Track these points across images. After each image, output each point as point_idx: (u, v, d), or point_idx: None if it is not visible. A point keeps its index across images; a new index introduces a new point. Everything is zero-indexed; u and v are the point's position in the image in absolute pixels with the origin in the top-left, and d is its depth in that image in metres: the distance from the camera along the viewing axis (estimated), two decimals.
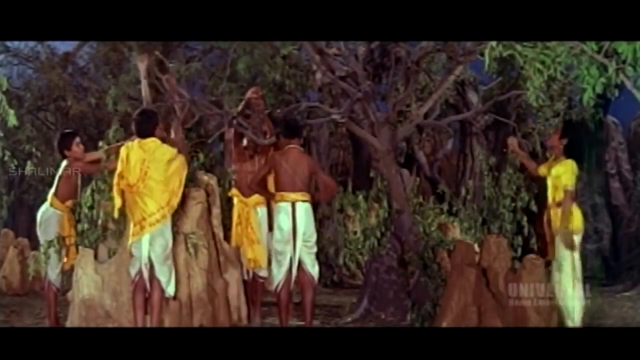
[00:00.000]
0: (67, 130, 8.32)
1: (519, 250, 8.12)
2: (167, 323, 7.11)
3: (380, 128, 8.42)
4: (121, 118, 10.15)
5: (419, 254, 8.31)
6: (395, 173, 8.53)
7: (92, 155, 7.68)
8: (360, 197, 8.91)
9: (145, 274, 6.86)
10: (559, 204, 6.68)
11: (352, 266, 9.33)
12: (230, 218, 8.05)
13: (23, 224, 14.35)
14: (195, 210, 7.48)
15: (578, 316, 6.70)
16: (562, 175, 6.70)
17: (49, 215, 7.64)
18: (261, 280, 7.94)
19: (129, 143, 6.93)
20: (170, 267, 6.98)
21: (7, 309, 9.57)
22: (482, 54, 6.38)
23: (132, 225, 6.82)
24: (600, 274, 13.04)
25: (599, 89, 5.85)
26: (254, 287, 8.01)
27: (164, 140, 7.04)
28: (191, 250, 7.33)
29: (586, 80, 5.85)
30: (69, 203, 7.66)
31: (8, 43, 12.94)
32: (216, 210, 7.84)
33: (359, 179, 12.59)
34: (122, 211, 6.90)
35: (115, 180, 6.83)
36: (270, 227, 7.66)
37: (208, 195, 7.70)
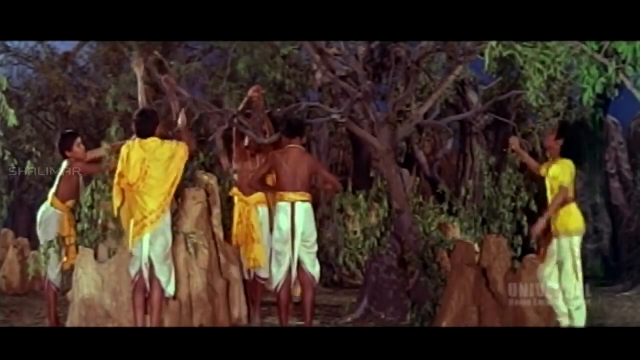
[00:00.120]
0: (68, 131, 8.31)
1: (519, 250, 8.11)
2: (167, 323, 7.11)
3: (380, 128, 8.43)
4: (121, 118, 10.16)
5: (419, 254, 8.31)
6: (396, 173, 8.53)
7: (94, 154, 7.70)
8: (361, 197, 8.90)
9: (146, 274, 6.86)
10: (559, 205, 6.66)
11: (352, 266, 9.34)
12: (230, 218, 8.06)
13: (23, 224, 14.35)
14: (195, 210, 7.48)
15: (580, 316, 6.66)
16: (558, 175, 6.69)
17: (49, 215, 7.64)
18: (263, 281, 7.94)
19: (130, 142, 6.93)
20: (170, 266, 6.98)
21: (7, 309, 9.57)
22: (482, 54, 6.38)
23: (132, 224, 6.82)
24: (600, 274, 13.05)
25: (599, 89, 5.85)
26: (254, 287, 8.02)
27: (165, 137, 7.05)
28: (191, 250, 7.33)
29: (586, 80, 5.85)
30: (70, 203, 7.66)
31: (8, 43, 12.93)
32: (216, 210, 7.84)
33: (359, 179, 12.58)
34: (121, 212, 6.90)
35: (115, 180, 6.84)
36: (272, 227, 7.66)
37: (208, 195, 7.71)
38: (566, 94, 10.95)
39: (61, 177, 7.66)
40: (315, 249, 7.41)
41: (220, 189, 8.01)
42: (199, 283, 7.39)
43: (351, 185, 10.48)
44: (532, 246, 7.97)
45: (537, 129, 12.66)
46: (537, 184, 7.97)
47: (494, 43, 6.08)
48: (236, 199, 7.97)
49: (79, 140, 7.74)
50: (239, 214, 7.92)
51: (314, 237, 7.36)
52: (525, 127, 13.20)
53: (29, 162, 9.07)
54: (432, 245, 8.52)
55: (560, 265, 6.67)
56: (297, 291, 7.79)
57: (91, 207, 7.37)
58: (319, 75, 10.29)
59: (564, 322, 6.72)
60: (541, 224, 6.71)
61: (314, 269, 7.39)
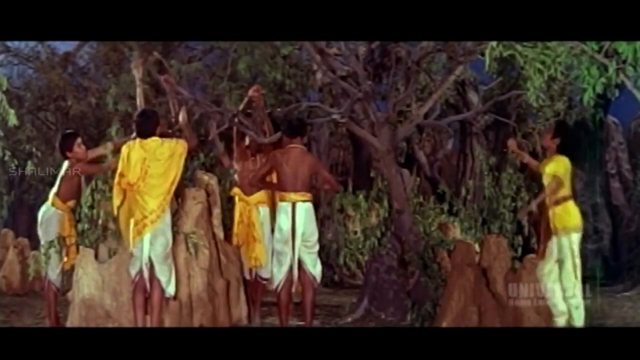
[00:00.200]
0: (68, 131, 8.31)
1: (519, 250, 8.12)
2: (167, 323, 7.11)
3: (380, 128, 8.42)
4: (121, 117, 10.17)
5: (419, 254, 8.31)
6: (396, 173, 8.53)
7: (94, 152, 7.71)
8: (361, 197, 8.91)
9: (146, 274, 6.86)
10: (556, 202, 6.65)
11: (353, 266, 9.35)
12: (230, 218, 8.06)
13: (23, 224, 14.34)
14: (195, 210, 7.48)
15: (579, 315, 6.66)
16: (553, 170, 6.68)
17: (50, 214, 7.64)
18: (264, 282, 7.94)
19: (130, 142, 6.94)
20: (170, 266, 6.98)
21: (7, 309, 9.56)
22: (483, 54, 6.39)
23: (132, 224, 6.82)
24: (600, 274, 13.04)
25: (599, 89, 5.86)
26: (254, 287, 8.02)
27: (166, 136, 7.05)
28: (191, 250, 7.33)
29: (586, 80, 5.85)
30: (71, 203, 7.67)
31: (8, 43, 12.94)
32: (216, 210, 7.84)
33: (359, 179, 12.59)
34: (120, 211, 6.91)
35: (116, 180, 6.85)
36: (273, 227, 7.66)
37: (208, 195, 7.71)
38: (566, 94, 10.95)
39: (62, 177, 7.66)
40: (316, 248, 7.41)
41: (220, 189, 8.01)
42: (199, 283, 7.39)
43: (351, 185, 10.50)
44: (532, 246, 7.98)
45: (537, 129, 12.68)
46: (537, 184, 7.98)
47: (494, 43, 6.08)
48: (237, 199, 7.97)
49: (79, 140, 7.74)
50: (239, 213, 7.93)
51: (314, 237, 7.36)
52: (525, 127, 13.22)
53: (29, 162, 9.09)
54: (432, 245, 8.52)
55: (560, 263, 6.67)
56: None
57: (91, 207, 7.38)
58: (319, 75, 10.30)
59: (560, 322, 6.70)
60: (530, 207, 6.72)
61: (315, 269, 7.38)
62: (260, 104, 7.95)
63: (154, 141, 6.86)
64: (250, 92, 7.95)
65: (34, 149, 11.37)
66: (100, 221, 7.37)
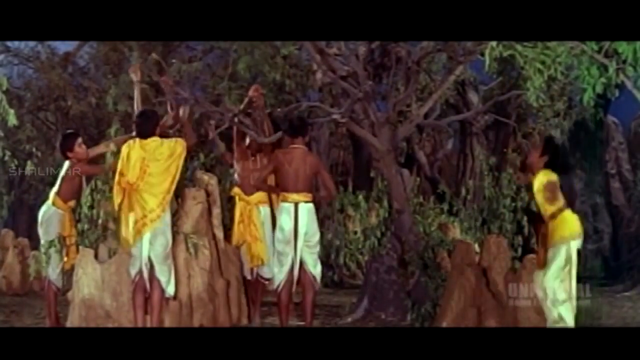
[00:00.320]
0: (68, 131, 8.31)
1: (519, 250, 8.11)
2: (167, 323, 7.11)
3: (380, 128, 8.42)
4: (121, 118, 10.18)
5: (419, 254, 8.31)
6: (396, 173, 8.53)
7: (95, 151, 7.72)
8: (361, 197, 8.91)
9: (146, 274, 6.86)
10: (552, 217, 6.52)
11: (352, 266, 9.35)
12: (230, 218, 8.06)
13: (23, 224, 14.34)
14: (195, 210, 7.48)
15: (570, 318, 6.57)
16: (539, 182, 6.52)
17: (50, 214, 7.64)
18: (265, 282, 7.93)
19: (131, 141, 6.94)
20: (170, 266, 6.99)
21: (7, 309, 9.56)
22: (483, 54, 6.38)
23: (132, 223, 6.82)
24: (600, 274, 13.06)
25: (599, 89, 5.86)
26: (255, 286, 8.02)
27: (166, 135, 7.06)
28: (191, 250, 7.33)
29: (586, 80, 5.85)
30: (72, 203, 7.67)
31: (8, 43, 12.94)
32: (216, 210, 7.84)
33: (359, 179, 12.59)
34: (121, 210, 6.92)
35: (116, 179, 6.85)
36: (274, 226, 7.66)
37: (208, 195, 7.71)
38: (566, 94, 10.97)
39: (63, 177, 7.66)
40: (317, 249, 7.41)
41: (220, 189, 8.01)
42: (199, 283, 7.39)
43: (351, 185, 10.50)
44: (532, 246, 7.97)
45: (537, 129, 12.69)
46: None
47: (494, 43, 6.08)
48: (237, 199, 7.97)
49: (80, 140, 7.74)
50: (239, 213, 7.93)
51: (316, 237, 7.36)
52: (525, 127, 13.23)
53: (29, 162, 9.07)
54: (432, 245, 8.51)
55: (557, 270, 6.55)
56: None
57: (91, 207, 7.38)
58: (319, 75, 10.29)
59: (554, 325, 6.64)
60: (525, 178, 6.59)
61: (316, 269, 7.39)
62: (261, 104, 7.95)
63: (153, 141, 6.87)
64: (250, 92, 7.95)
65: (34, 149, 11.36)
66: (100, 221, 7.37)
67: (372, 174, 9.30)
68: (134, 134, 7.06)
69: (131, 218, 6.82)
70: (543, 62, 6.10)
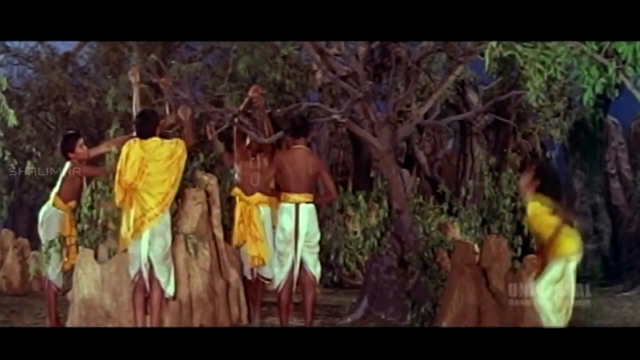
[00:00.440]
0: (70, 132, 8.31)
1: (519, 250, 8.11)
2: (167, 323, 7.11)
3: (380, 128, 8.42)
4: (121, 118, 10.17)
5: (419, 254, 8.31)
6: (396, 173, 8.53)
7: (96, 151, 7.73)
8: (361, 197, 8.90)
9: (145, 274, 6.87)
10: (550, 240, 6.47)
11: (352, 266, 9.33)
12: (230, 218, 8.06)
13: (23, 224, 14.34)
14: (195, 210, 7.48)
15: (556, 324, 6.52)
16: (531, 219, 6.46)
17: (51, 214, 7.64)
18: (266, 282, 7.93)
19: (131, 141, 6.95)
20: (169, 267, 6.99)
21: (7, 309, 9.56)
22: (482, 54, 6.38)
23: (131, 221, 6.82)
24: (600, 274, 13.05)
25: (599, 89, 5.85)
26: (255, 287, 8.01)
27: (166, 136, 7.06)
28: (191, 250, 7.33)
29: (586, 81, 5.85)
30: (72, 203, 7.68)
31: (8, 43, 12.94)
32: (216, 210, 7.84)
33: (359, 179, 12.58)
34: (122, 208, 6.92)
35: (116, 178, 6.87)
36: (274, 226, 7.66)
37: (208, 195, 7.71)
38: (566, 94, 10.95)
39: (64, 178, 7.67)
40: (318, 249, 7.42)
41: (220, 189, 8.01)
42: (199, 283, 7.40)
43: (351, 185, 10.47)
44: (531, 246, 7.97)
45: (537, 129, 12.69)
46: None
47: (494, 43, 6.08)
48: (237, 199, 7.97)
49: (81, 141, 7.74)
50: (240, 213, 7.92)
51: (317, 237, 7.37)
52: (525, 127, 13.23)
53: (29, 162, 9.08)
54: (432, 245, 8.51)
55: (549, 282, 6.50)
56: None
57: (91, 208, 7.38)
58: (319, 75, 10.29)
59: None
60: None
61: (316, 269, 7.40)
62: (261, 104, 7.95)
63: (153, 141, 6.88)
64: (250, 93, 7.95)
65: (34, 149, 11.37)
66: (100, 221, 7.38)
67: (372, 174, 9.30)
68: (134, 134, 7.06)
69: (131, 216, 6.83)
70: (543, 62, 6.10)
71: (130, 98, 10.63)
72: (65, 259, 7.65)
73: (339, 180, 12.95)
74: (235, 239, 7.94)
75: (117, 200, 6.87)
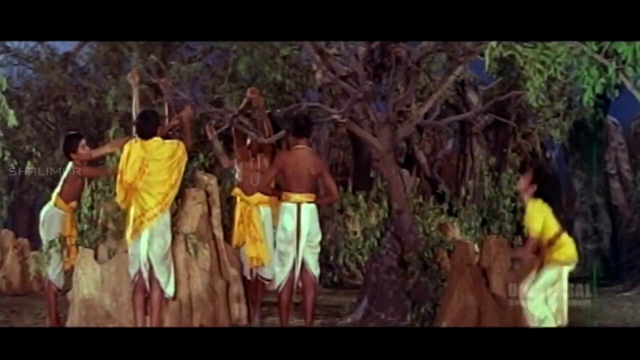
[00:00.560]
0: (72, 133, 8.30)
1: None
2: (167, 323, 7.11)
3: (380, 128, 8.42)
4: (121, 118, 10.16)
5: (419, 254, 8.31)
6: (395, 173, 8.53)
7: (98, 152, 7.73)
8: (360, 197, 8.91)
9: (145, 274, 6.87)
10: (549, 244, 6.47)
11: (352, 266, 9.34)
12: (230, 218, 8.06)
13: (23, 224, 14.36)
14: (195, 210, 7.49)
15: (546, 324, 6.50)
16: (528, 221, 6.45)
17: (52, 214, 7.65)
18: (266, 282, 7.93)
19: (132, 141, 6.96)
20: (169, 267, 6.99)
21: (7, 309, 9.56)
22: (482, 54, 6.38)
23: (131, 221, 6.83)
24: (600, 274, 13.04)
25: (599, 90, 5.85)
26: (255, 287, 8.01)
27: (167, 136, 7.07)
28: (191, 250, 7.33)
29: (586, 81, 5.85)
30: (73, 204, 7.68)
31: (8, 43, 12.94)
32: (216, 210, 7.84)
33: (359, 179, 12.58)
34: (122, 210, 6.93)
35: (118, 177, 6.87)
36: (274, 226, 7.66)
37: (208, 195, 7.71)
38: (566, 94, 10.96)
39: (65, 178, 7.67)
40: (319, 249, 7.42)
41: (220, 189, 8.01)
42: (199, 283, 7.40)
43: (351, 185, 10.48)
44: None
45: (537, 129, 12.69)
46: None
47: (494, 43, 6.08)
48: (237, 199, 7.97)
49: (83, 141, 7.74)
50: (240, 213, 7.92)
51: (318, 237, 7.37)
52: (525, 127, 13.23)
53: (29, 162, 9.08)
54: (432, 245, 8.52)
55: (542, 286, 6.48)
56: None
57: (91, 208, 7.39)
58: (319, 75, 10.27)
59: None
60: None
61: (316, 269, 7.40)
62: (260, 104, 7.95)
63: (154, 141, 6.88)
64: (248, 94, 7.95)
65: (33, 149, 11.36)
66: (100, 221, 7.38)
67: (372, 174, 9.31)
68: (135, 135, 7.07)
69: (131, 216, 6.84)
70: (543, 63, 6.10)
71: (130, 98, 10.65)
72: (66, 259, 7.65)
73: (339, 180, 12.94)
74: (235, 239, 7.94)
75: (119, 200, 6.89)
